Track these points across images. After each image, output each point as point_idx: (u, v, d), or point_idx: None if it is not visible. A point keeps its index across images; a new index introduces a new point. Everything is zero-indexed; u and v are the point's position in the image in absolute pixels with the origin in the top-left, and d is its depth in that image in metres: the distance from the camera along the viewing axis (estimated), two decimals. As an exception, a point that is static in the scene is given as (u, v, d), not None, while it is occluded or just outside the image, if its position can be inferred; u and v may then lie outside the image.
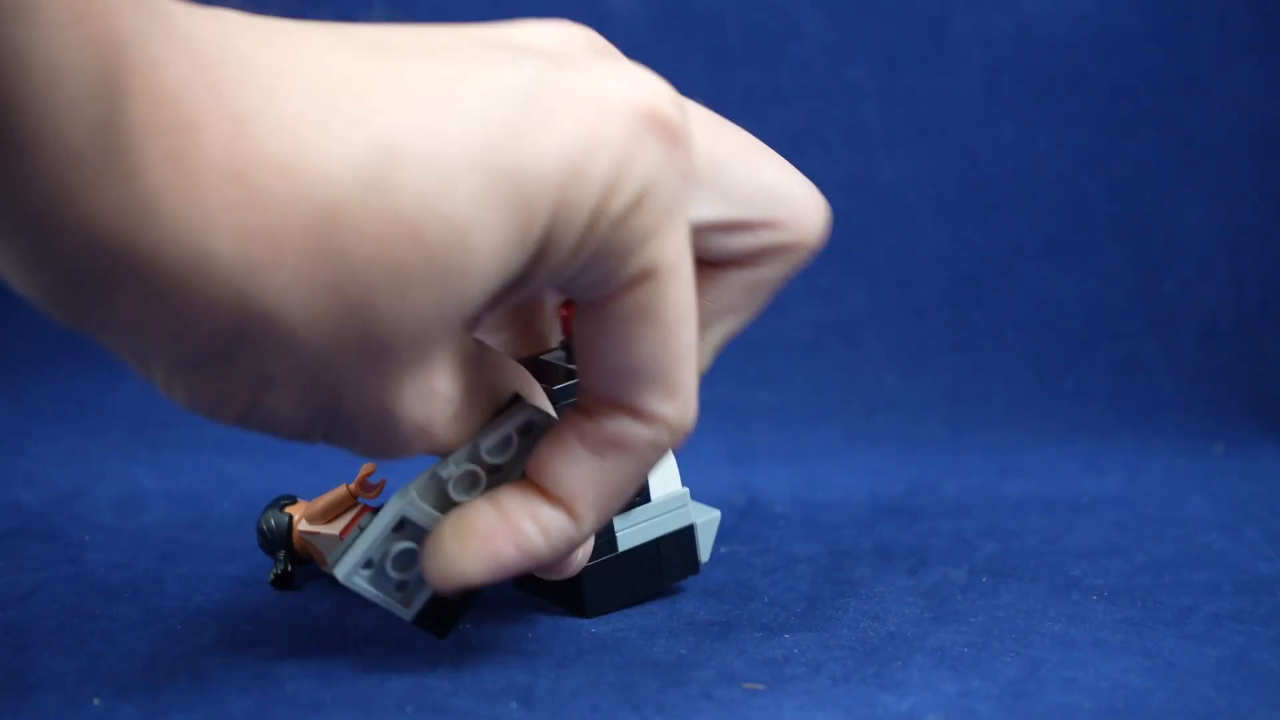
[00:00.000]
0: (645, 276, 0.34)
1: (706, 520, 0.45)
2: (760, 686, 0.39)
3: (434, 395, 0.34)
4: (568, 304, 0.42)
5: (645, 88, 0.33)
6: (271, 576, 0.46)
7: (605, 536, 0.43)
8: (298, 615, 0.44)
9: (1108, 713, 0.37)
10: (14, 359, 0.71)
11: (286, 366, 0.32)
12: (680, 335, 0.35)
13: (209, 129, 0.30)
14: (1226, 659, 0.41)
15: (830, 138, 0.69)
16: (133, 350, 0.32)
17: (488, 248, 0.32)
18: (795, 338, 0.67)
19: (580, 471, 0.36)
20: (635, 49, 0.71)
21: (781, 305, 0.68)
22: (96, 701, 0.38)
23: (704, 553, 0.45)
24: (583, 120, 0.32)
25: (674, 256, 0.34)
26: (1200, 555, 0.49)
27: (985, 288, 0.68)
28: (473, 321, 0.34)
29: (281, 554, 0.46)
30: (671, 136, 0.33)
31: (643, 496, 0.44)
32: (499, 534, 0.36)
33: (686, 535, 0.45)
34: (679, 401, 0.35)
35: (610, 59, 0.35)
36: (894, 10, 0.69)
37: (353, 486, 0.46)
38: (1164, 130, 0.68)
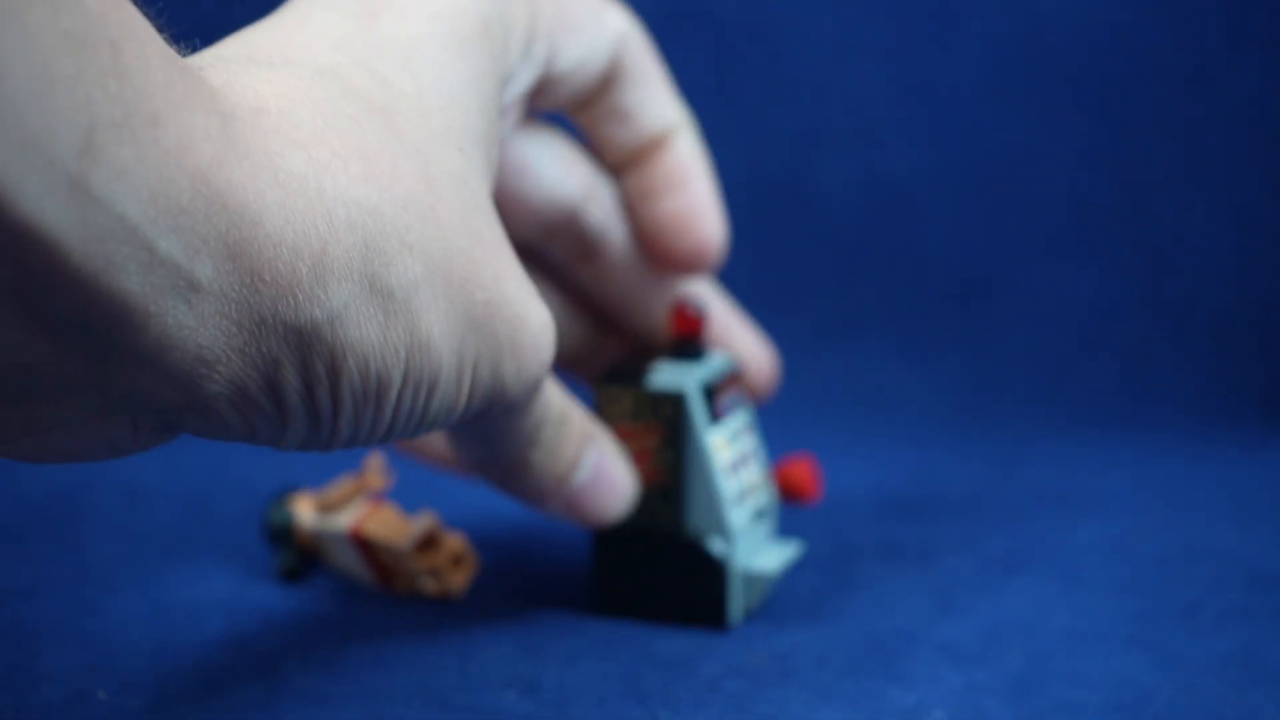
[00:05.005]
0: None
1: (754, 574, 0.42)
2: None
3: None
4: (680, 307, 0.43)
5: None
6: (279, 570, 0.46)
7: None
8: (304, 608, 0.44)
9: (1115, 707, 0.37)
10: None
11: None
12: None
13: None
14: (1234, 654, 0.40)
15: (838, 135, 0.69)
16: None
17: None
18: (803, 333, 0.67)
19: None
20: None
21: (790, 301, 0.68)
22: (102, 695, 0.38)
23: (735, 609, 0.42)
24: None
25: None
26: (1208, 550, 0.48)
27: (994, 284, 0.68)
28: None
29: (288, 547, 0.46)
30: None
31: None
32: None
33: (713, 574, 0.42)
34: None
35: None
36: (902, 7, 0.69)
37: (360, 479, 0.46)
38: (1173, 126, 0.68)
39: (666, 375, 0.42)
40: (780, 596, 0.44)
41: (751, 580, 0.42)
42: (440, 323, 0.32)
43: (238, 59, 0.31)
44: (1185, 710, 0.37)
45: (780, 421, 0.54)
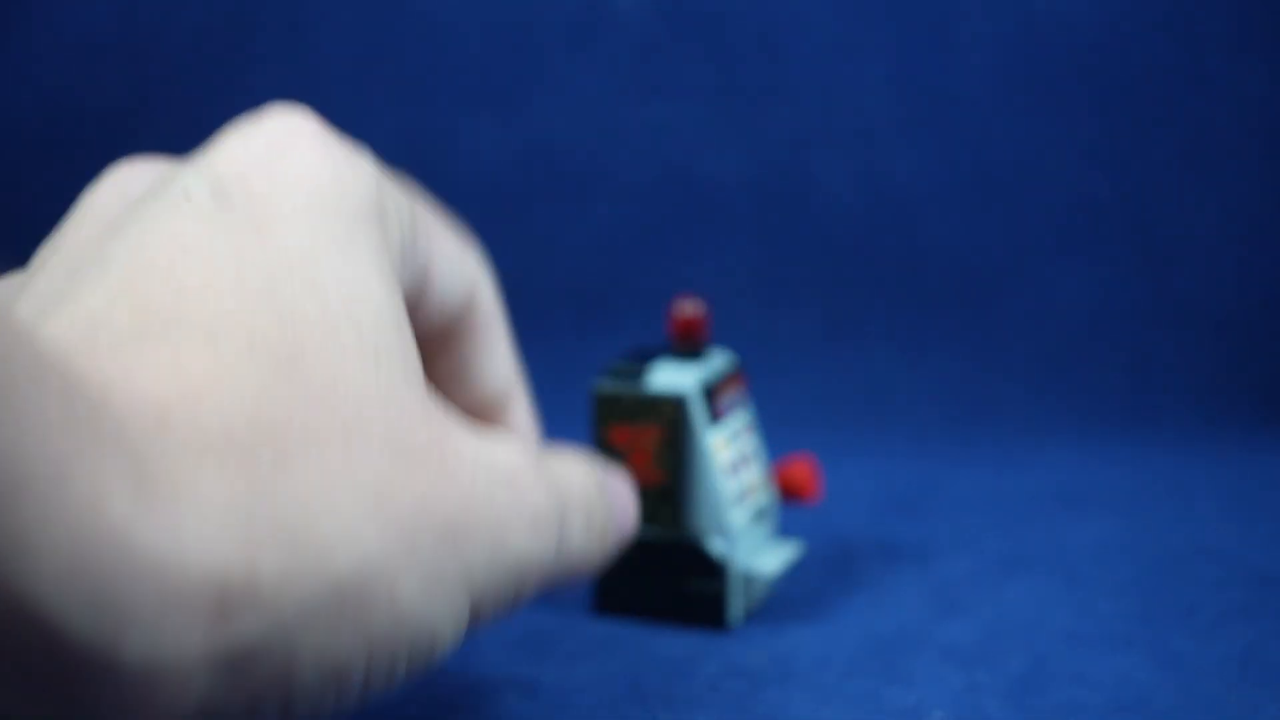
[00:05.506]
0: None
1: (754, 574, 0.42)
2: None
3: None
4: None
5: None
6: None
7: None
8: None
9: (1115, 708, 0.37)
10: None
11: None
12: None
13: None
14: (1234, 654, 0.40)
15: (838, 135, 0.69)
16: None
17: None
18: (803, 333, 0.67)
19: None
20: (641, 47, 0.71)
21: (789, 300, 0.68)
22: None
23: (735, 609, 0.42)
24: None
25: None
26: (1208, 550, 0.48)
27: (994, 284, 0.68)
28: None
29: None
30: None
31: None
32: None
33: (713, 575, 0.42)
34: None
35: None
36: (903, 7, 0.69)
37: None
38: (1174, 126, 0.68)
39: (666, 375, 0.42)
40: (780, 596, 0.44)
41: (751, 580, 0.42)
42: (413, 581, 0.28)
43: (129, 333, 0.27)
44: (1185, 710, 0.37)
45: (780, 421, 0.54)
